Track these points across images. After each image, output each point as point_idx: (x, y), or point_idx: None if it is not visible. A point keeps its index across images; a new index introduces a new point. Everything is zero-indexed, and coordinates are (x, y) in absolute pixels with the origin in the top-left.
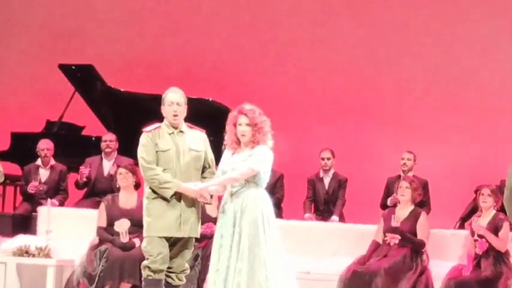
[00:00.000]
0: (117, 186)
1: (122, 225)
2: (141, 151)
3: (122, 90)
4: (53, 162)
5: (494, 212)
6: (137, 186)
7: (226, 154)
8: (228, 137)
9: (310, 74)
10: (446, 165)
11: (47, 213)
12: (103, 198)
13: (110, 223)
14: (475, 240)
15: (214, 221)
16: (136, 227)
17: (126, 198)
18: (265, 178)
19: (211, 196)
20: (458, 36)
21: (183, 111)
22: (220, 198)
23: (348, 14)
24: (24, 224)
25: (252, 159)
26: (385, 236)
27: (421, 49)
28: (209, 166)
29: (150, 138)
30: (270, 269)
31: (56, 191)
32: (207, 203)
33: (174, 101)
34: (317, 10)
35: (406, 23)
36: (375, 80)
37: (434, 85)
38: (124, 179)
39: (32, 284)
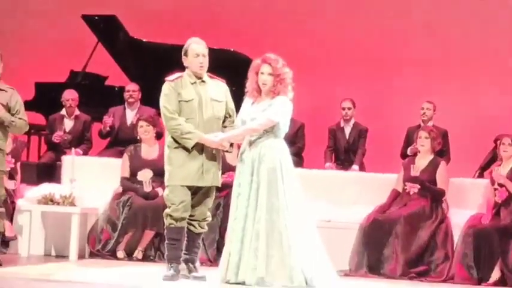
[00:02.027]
0: (138, 138)
1: (145, 175)
2: (163, 100)
3: (144, 40)
4: (77, 112)
5: None
6: (159, 136)
7: (246, 103)
8: (249, 85)
9: (331, 26)
10: (466, 115)
11: (71, 162)
12: (126, 149)
13: (133, 173)
14: (495, 189)
15: (234, 169)
16: (159, 176)
17: (148, 149)
18: (284, 129)
19: (231, 144)
20: None
21: (207, 61)
22: (240, 146)
23: None
24: (49, 172)
25: (272, 109)
26: (405, 185)
27: None
28: (230, 116)
29: (172, 88)
30: (288, 218)
31: (80, 140)
32: (226, 151)
33: (200, 52)
34: None
35: None
36: (395, 30)
37: (455, 34)
38: (145, 132)
39: (56, 231)
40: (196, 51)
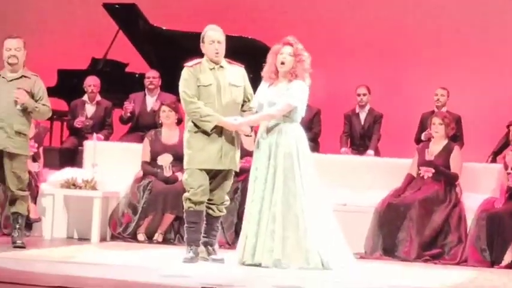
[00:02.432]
0: (160, 122)
1: (165, 160)
2: (183, 85)
3: (163, 28)
4: (99, 98)
5: None
6: (179, 121)
7: (263, 86)
8: (267, 68)
9: (347, 12)
10: (479, 100)
11: (93, 147)
12: (146, 134)
13: (154, 158)
14: (508, 174)
15: (252, 155)
16: (179, 161)
17: (169, 134)
18: (301, 113)
19: (252, 128)
20: None
21: (223, 48)
22: (257, 132)
23: None
24: (71, 157)
25: (290, 94)
26: (419, 170)
27: None
28: (248, 100)
29: (191, 73)
30: (305, 202)
31: (102, 126)
32: (247, 135)
33: (215, 39)
34: None
35: None
36: (409, 17)
37: (467, 20)
38: (167, 116)
39: (78, 214)
40: (212, 37)
